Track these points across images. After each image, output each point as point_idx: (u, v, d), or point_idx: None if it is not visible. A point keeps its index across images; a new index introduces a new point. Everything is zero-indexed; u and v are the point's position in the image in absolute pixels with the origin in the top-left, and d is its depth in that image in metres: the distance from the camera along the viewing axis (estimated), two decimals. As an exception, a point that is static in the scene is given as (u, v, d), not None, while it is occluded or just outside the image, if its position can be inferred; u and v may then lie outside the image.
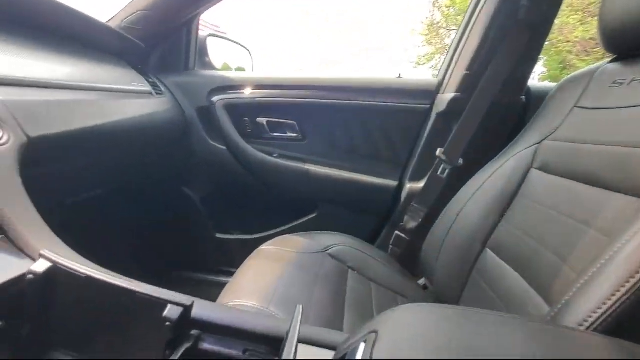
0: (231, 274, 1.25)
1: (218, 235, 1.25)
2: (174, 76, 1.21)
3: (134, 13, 1.08)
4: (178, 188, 1.25)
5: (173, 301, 0.39)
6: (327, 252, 0.91)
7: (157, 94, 1.05)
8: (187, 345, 0.39)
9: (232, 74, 1.23)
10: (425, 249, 0.93)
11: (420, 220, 1.04)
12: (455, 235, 0.83)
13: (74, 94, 0.71)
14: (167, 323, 0.38)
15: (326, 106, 1.14)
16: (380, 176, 1.15)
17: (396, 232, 1.07)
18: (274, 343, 0.41)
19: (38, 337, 0.42)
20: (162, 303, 0.40)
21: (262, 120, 1.20)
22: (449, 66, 1.09)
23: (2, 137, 0.49)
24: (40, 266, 0.41)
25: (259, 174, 1.20)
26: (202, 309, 0.42)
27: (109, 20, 1.13)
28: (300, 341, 0.40)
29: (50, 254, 0.42)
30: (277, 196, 1.23)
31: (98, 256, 1.15)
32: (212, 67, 1.36)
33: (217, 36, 1.41)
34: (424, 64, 9.79)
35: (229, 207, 1.28)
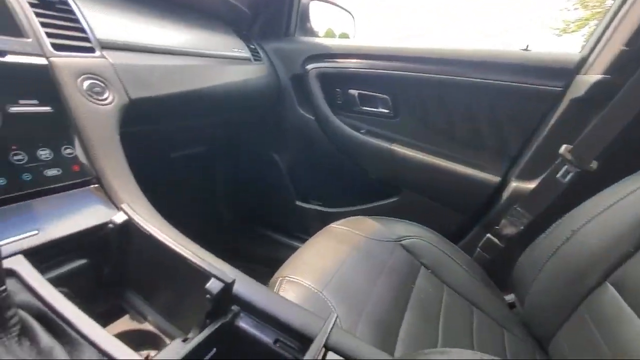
0: (305, 241, 1.31)
1: (298, 203, 1.29)
2: (274, 42, 1.22)
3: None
4: (268, 153, 1.31)
5: (217, 275, 0.40)
6: (400, 242, 0.84)
7: (255, 60, 1.08)
8: (223, 320, 0.40)
9: (329, 42, 1.18)
10: (522, 262, 0.78)
11: (522, 227, 0.86)
12: (566, 256, 0.66)
13: (179, 59, 0.77)
14: (208, 295, 0.39)
15: (427, 81, 1.00)
16: (480, 168, 0.99)
17: (488, 235, 0.92)
18: (306, 340, 0.38)
19: (115, 277, 0.48)
20: (207, 275, 0.41)
21: (354, 92, 1.13)
22: (599, 38, 0.82)
23: (108, 97, 0.56)
24: (119, 218, 0.46)
25: (343, 148, 1.17)
26: (243, 288, 0.42)
27: None
28: (332, 349, 0.37)
29: (129, 208, 0.47)
30: (359, 174, 1.18)
31: (191, 207, 1.30)
32: (313, 34, 1.33)
33: (321, 0, 1.36)
34: (573, 31, 7.91)
35: (311, 177, 1.30)
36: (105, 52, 0.59)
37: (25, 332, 0.32)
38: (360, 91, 1.13)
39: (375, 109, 1.12)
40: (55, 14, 0.55)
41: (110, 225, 0.46)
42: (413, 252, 0.82)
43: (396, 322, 0.63)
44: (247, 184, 1.37)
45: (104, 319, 0.45)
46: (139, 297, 0.49)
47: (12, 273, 0.35)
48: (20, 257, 0.37)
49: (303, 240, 1.31)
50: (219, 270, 0.41)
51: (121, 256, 0.48)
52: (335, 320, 0.37)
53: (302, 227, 1.30)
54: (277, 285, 0.61)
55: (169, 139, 0.87)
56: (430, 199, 1.08)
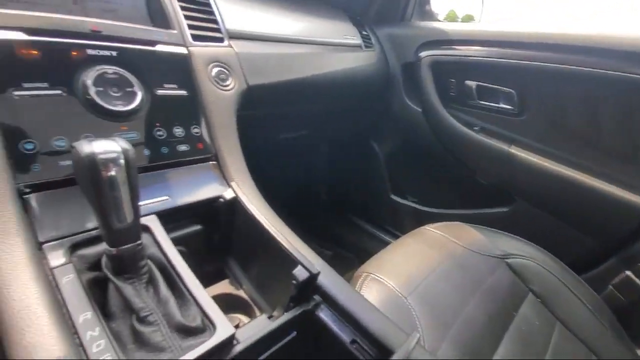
0: (395, 236, 1.27)
1: (392, 196, 1.25)
2: (388, 27, 1.17)
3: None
4: (367, 141, 1.29)
5: (304, 264, 0.41)
6: (506, 260, 0.74)
7: (366, 47, 1.06)
8: (306, 307, 0.41)
9: (448, 26, 1.07)
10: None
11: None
12: None
13: (293, 47, 0.80)
14: (294, 281, 0.40)
15: (569, 75, 0.83)
16: (629, 188, 0.79)
17: (628, 272, 0.74)
18: (384, 350, 0.37)
19: (221, 244, 0.55)
20: (295, 261, 0.42)
21: (471, 83, 1.01)
22: None
23: (230, 83, 0.61)
24: (228, 194, 0.51)
25: (451, 145, 1.07)
26: (328, 281, 0.42)
27: None
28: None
29: (237, 186, 0.52)
30: (466, 175, 1.07)
31: (290, 185, 1.37)
32: (432, 17, 1.23)
33: (446, -20, 1.24)
34: None
35: (410, 172, 1.24)
36: (232, 42, 0.66)
37: (151, 281, 0.38)
38: (479, 83, 1.00)
39: (495, 105, 0.99)
40: (195, 7, 0.63)
41: (221, 200, 0.51)
42: (520, 274, 0.71)
43: (487, 352, 0.56)
44: (344, 170, 1.39)
45: (209, 279, 0.52)
46: (238, 265, 0.54)
47: (146, 229, 0.43)
48: (154, 217, 0.44)
49: (393, 235, 1.28)
50: (306, 259, 0.42)
51: (228, 227, 0.53)
52: (418, 341, 0.35)
53: (394, 221, 1.27)
54: (360, 280, 0.61)
55: (278, 122, 0.93)
56: (551, 215, 0.92)
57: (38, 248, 0.36)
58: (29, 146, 0.40)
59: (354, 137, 1.32)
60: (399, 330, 0.38)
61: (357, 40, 1.03)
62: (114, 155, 0.33)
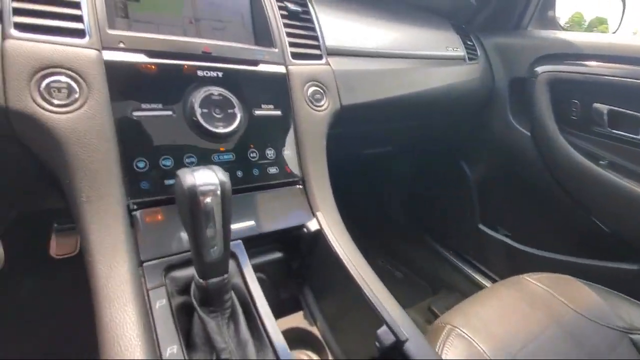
0: (479, 271, 1.13)
1: (481, 226, 1.11)
2: (498, 36, 1.03)
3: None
4: (456, 160, 1.17)
5: (391, 327, 0.37)
6: (630, 335, 0.60)
7: (470, 59, 0.95)
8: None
9: (573, 37, 0.90)
10: None
11: None
12: None
13: (391, 62, 0.75)
14: (377, 343, 0.36)
15: None
16: None
17: None
18: None
19: (300, 273, 0.53)
20: (381, 320, 0.38)
21: (602, 107, 0.84)
22: None
23: (324, 104, 0.59)
24: (313, 225, 0.49)
25: (565, 178, 0.91)
26: (415, 348, 0.37)
27: None
28: None
29: (322, 218, 0.49)
30: (581, 216, 0.90)
31: (369, 200, 1.31)
32: (554, 25, 1.06)
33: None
34: None
35: (505, 201, 1.09)
36: (330, 58, 0.63)
37: (233, 315, 0.38)
38: (612, 107, 0.82)
39: (632, 135, 0.80)
40: (298, 23, 0.62)
41: (305, 230, 0.49)
42: (652, 359, 0.57)
43: None
44: (427, 189, 1.29)
45: (285, 307, 0.51)
46: (314, 297, 0.52)
47: (233, 255, 0.43)
48: (240, 243, 0.44)
49: (476, 269, 1.15)
50: (393, 320, 0.38)
51: (308, 257, 0.52)
52: None
53: (479, 254, 1.13)
54: (444, 335, 0.54)
55: (364, 138, 0.89)
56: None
57: (139, 265, 0.38)
58: (141, 164, 0.43)
59: (441, 154, 1.21)
60: None
61: (460, 51, 0.93)
62: (212, 187, 0.33)
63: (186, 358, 0.33)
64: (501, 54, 1.01)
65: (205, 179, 0.33)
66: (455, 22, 1.01)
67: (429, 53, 0.85)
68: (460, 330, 0.55)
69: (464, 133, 1.11)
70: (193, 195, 0.32)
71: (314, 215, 0.51)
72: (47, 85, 0.38)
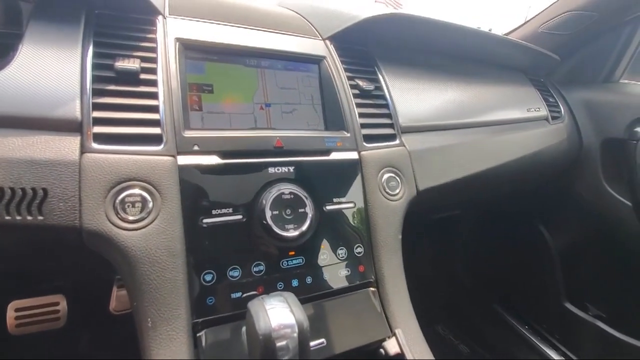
0: (563, 355, 0.96)
1: (567, 305, 0.96)
2: (586, 91, 0.92)
3: (558, 16, 0.88)
4: (533, 224, 1.04)
5: None
6: None
7: (553, 119, 0.85)
8: None
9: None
10: None
11: None
12: None
13: (466, 133, 0.68)
14: None
15: None
16: None
17: None
18: None
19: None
20: None
21: None
22: None
23: (399, 191, 0.53)
24: (392, 347, 0.42)
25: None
26: None
27: (515, 29, 1.00)
28: None
29: (402, 336, 0.43)
30: None
31: (434, 267, 1.20)
32: (653, 76, 0.92)
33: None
34: None
35: (597, 276, 0.93)
36: (404, 137, 0.58)
37: None
38: None
39: None
40: (370, 102, 0.58)
41: (381, 351, 0.43)
42: None
43: None
44: (498, 253, 1.15)
45: None
46: None
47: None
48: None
49: (556, 350, 0.98)
50: None
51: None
52: None
53: (564, 336, 0.97)
54: None
55: (433, 207, 0.82)
56: None
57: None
58: (209, 277, 0.40)
59: (515, 216, 1.08)
60: None
61: (542, 111, 0.84)
62: (288, 330, 0.29)
63: None
64: (590, 111, 0.90)
65: (281, 319, 0.30)
66: (533, 75, 0.92)
67: (509, 117, 0.76)
68: None
69: (543, 196, 0.99)
70: (268, 343, 0.28)
71: (391, 330, 0.44)
72: (122, 200, 0.37)
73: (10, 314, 0.82)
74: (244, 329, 0.37)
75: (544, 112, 0.84)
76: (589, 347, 0.91)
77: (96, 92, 0.39)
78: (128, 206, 0.37)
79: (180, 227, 0.39)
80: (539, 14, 0.94)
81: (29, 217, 0.34)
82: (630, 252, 0.85)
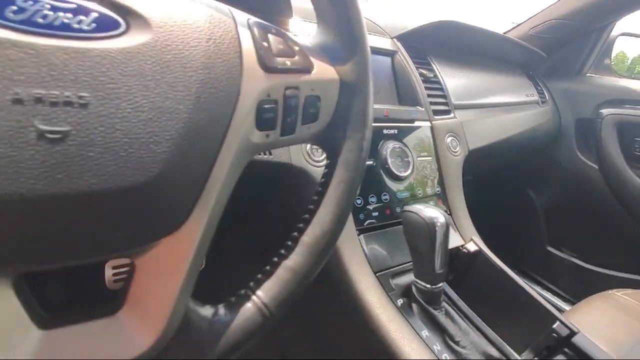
0: (548, 289, 1.25)
1: (549, 248, 1.24)
2: (563, 82, 1.20)
3: (543, 23, 1.14)
4: (523, 189, 1.31)
5: (565, 323, 0.51)
6: None
7: (542, 103, 1.11)
8: (560, 357, 0.50)
9: (632, 84, 1.06)
10: None
11: None
12: None
13: (493, 111, 0.91)
14: (554, 334, 0.50)
15: None
16: None
17: None
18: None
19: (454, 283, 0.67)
20: (552, 317, 0.52)
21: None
22: None
23: (458, 150, 0.75)
24: (471, 247, 0.64)
25: (632, 206, 1.04)
26: (583, 340, 0.51)
27: (509, 30, 1.25)
28: None
29: (479, 241, 0.64)
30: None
31: None
32: (610, 71, 1.21)
33: (632, 35, 1.21)
34: None
35: (573, 225, 1.22)
36: (456, 112, 0.79)
37: (447, 313, 0.52)
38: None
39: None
40: (431, 86, 0.78)
41: (464, 250, 0.64)
42: None
43: None
44: (493, 213, 1.41)
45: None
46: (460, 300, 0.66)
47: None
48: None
49: (545, 287, 1.26)
50: (565, 319, 0.52)
51: (461, 274, 0.66)
52: None
53: (546, 273, 1.25)
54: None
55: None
56: None
57: (375, 275, 0.53)
58: (359, 201, 0.58)
59: (506, 184, 1.35)
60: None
61: (535, 97, 1.09)
62: (442, 220, 0.48)
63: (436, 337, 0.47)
64: (567, 98, 1.17)
65: (437, 214, 0.49)
66: (524, 69, 1.18)
67: (515, 100, 1.01)
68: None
69: (531, 166, 1.26)
70: (432, 225, 0.48)
71: (465, 240, 0.66)
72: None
73: (108, 272, 0.94)
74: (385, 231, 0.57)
75: (536, 97, 1.10)
76: (566, 278, 1.20)
77: None
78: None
79: None
80: (528, 19, 1.19)
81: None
82: (597, 204, 1.13)
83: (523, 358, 0.51)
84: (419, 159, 0.68)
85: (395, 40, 0.80)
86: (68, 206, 0.18)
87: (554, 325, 0.51)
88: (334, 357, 0.66)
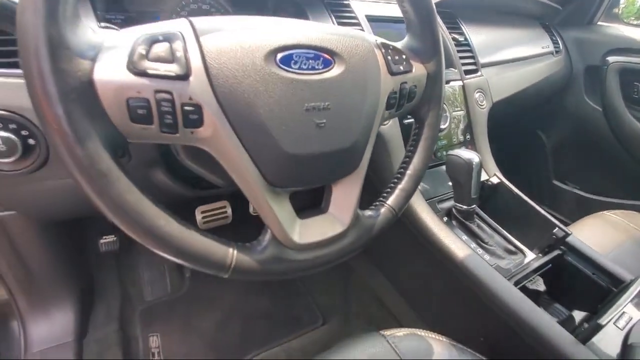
0: (552, 216, 1.47)
1: (554, 182, 1.44)
2: (575, 30, 1.30)
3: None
4: (533, 130, 1.48)
5: (560, 227, 0.72)
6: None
7: (556, 53, 1.23)
8: (558, 252, 0.72)
9: (637, 34, 1.17)
10: None
11: None
12: None
13: (514, 66, 1.05)
14: (554, 236, 0.71)
15: None
16: None
17: None
18: (617, 281, 0.66)
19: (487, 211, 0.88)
20: (551, 224, 0.73)
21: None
22: None
23: (484, 103, 0.91)
24: (495, 180, 0.83)
25: (628, 144, 1.21)
26: (574, 240, 0.72)
27: None
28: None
29: (500, 175, 0.84)
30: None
31: None
32: (617, 19, 1.31)
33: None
34: None
35: (576, 161, 1.40)
36: (482, 70, 0.94)
37: (478, 226, 0.73)
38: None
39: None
40: (462, 49, 0.92)
41: (489, 183, 0.84)
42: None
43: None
44: (507, 154, 1.59)
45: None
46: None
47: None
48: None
49: (550, 215, 1.48)
50: (560, 224, 0.73)
51: (487, 199, 0.86)
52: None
53: (552, 202, 1.47)
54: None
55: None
56: None
57: (426, 202, 0.74)
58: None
59: (518, 125, 1.51)
60: (625, 271, 0.66)
61: (550, 47, 1.22)
62: (477, 160, 0.67)
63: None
64: (578, 46, 1.28)
65: (472, 156, 0.68)
66: (541, 20, 1.28)
67: (533, 53, 1.14)
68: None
69: (542, 109, 1.41)
70: (470, 165, 0.67)
71: (489, 175, 0.85)
72: None
73: (198, 216, 1.16)
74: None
75: (551, 48, 1.22)
76: (569, 206, 1.41)
77: None
78: None
79: None
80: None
81: None
82: (598, 143, 1.31)
83: (531, 252, 0.73)
84: (453, 113, 0.85)
85: (430, 8, 0.92)
86: (320, 158, 0.37)
87: (554, 230, 0.72)
88: (399, 270, 0.89)
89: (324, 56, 0.37)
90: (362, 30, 0.75)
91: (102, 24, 0.35)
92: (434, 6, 0.45)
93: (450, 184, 0.77)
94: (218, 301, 1.08)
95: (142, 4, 0.63)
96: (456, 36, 0.92)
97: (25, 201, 0.57)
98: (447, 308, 0.80)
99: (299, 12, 0.71)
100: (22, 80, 0.47)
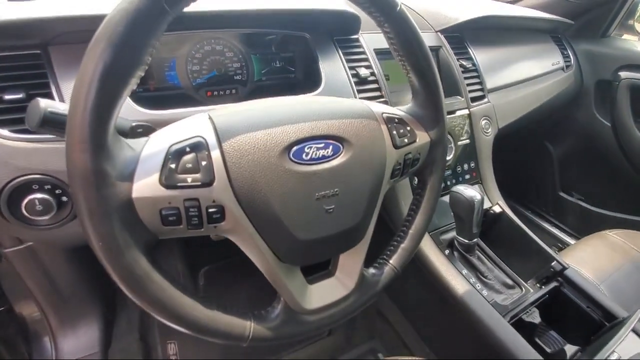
0: (557, 227, 1.49)
1: (560, 193, 1.45)
2: (587, 43, 1.28)
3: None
4: (540, 141, 1.48)
5: (559, 261, 0.75)
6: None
7: (567, 67, 1.22)
8: (556, 284, 0.76)
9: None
10: None
11: None
12: None
13: (521, 88, 1.05)
14: (551, 269, 0.74)
15: None
16: None
17: None
18: (610, 317, 0.69)
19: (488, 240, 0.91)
20: (549, 257, 0.76)
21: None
22: None
23: (490, 130, 0.93)
24: (497, 208, 0.86)
25: (636, 160, 1.22)
26: (569, 272, 0.75)
27: None
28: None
29: (503, 204, 0.86)
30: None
31: None
32: (634, 31, 1.28)
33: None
34: None
35: (583, 174, 1.41)
36: (490, 96, 0.95)
37: (478, 258, 0.77)
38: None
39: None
40: (469, 75, 0.93)
41: (492, 212, 0.86)
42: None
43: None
44: (514, 165, 1.60)
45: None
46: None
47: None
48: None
49: (555, 226, 1.50)
50: (559, 258, 0.76)
51: (489, 228, 0.89)
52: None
53: (557, 214, 1.48)
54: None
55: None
56: None
57: (429, 234, 0.77)
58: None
59: (526, 136, 1.51)
60: (619, 308, 0.70)
61: (561, 63, 1.21)
62: (479, 197, 0.70)
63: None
64: (589, 59, 1.27)
65: (474, 194, 0.70)
66: (552, 33, 1.26)
67: (543, 72, 1.13)
68: (572, 265, 0.93)
69: (550, 121, 1.41)
70: (472, 203, 0.70)
71: (492, 202, 0.88)
72: None
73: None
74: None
75: (561, 63, 1.21)
76: (573, 218, 1.43)
77: None
78: None
79: None
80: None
81: None
82: (606, 158, 1.31)
83: (528, 285, 0.77)
84: (459, 142, 0.87)
85: (439, 34, 0.93)
86: (328, 239, 0.41)
87: (552, 263, 0.75)
88: (402, 295, 0.94)
89: (333, 143, 0.40)
90: (370, 65, 0.76)
91: (134, 123, 0.38)
92: (439, 80, 0.47)
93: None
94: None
95: (159, 50, 0.66)
96: (463, 62, 0.92)
97: (57, 240, 0.63)
98: (446, 333, 0.85)
99: (307, 51, 0.73)
100: (53, 145, 0.52)
